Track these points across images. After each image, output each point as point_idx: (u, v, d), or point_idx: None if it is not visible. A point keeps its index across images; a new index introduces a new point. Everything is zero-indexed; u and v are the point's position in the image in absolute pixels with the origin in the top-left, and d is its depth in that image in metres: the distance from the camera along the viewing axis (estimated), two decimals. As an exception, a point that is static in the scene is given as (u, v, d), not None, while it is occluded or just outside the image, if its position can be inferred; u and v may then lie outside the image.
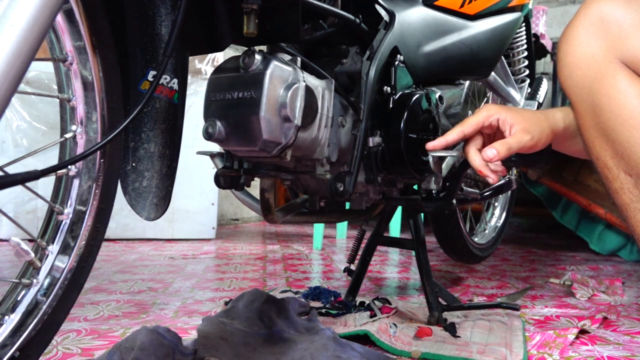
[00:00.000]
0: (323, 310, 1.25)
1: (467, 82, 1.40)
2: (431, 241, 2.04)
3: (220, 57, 2.72)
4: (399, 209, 2.29)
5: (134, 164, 0.77)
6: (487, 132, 0.90)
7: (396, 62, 0.99)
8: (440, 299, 1.23)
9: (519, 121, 0.86)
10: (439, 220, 1.57)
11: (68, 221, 0.74)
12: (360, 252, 1.36)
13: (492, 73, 1.40)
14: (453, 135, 0.89)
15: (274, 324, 1.04)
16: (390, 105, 0.98)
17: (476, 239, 1.76)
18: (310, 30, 0.89)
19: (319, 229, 2.53)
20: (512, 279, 1.84)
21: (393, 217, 2.23)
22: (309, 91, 0.81)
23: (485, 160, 0.84)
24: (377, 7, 0.99)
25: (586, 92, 0.77)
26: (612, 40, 0.74)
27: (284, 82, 0.79)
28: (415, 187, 1.19)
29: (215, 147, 0.94)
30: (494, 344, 1.04)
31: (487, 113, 0.88)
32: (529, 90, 1.64)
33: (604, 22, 0.74)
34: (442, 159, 1.01)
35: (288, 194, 1.17)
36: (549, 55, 3.33)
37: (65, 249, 0.74)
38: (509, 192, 1.86)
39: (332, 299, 1.35)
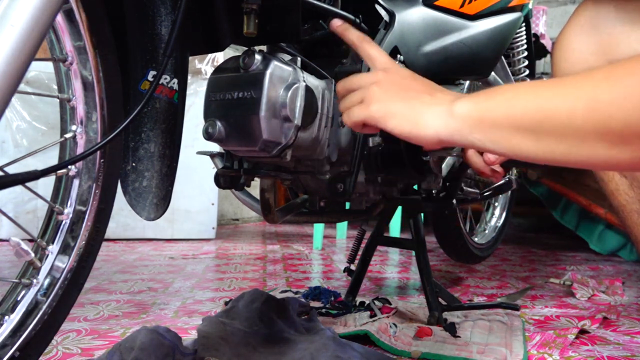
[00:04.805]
0: (323, 310, 1.25)
1: (467, 82, 1.40)
2: (431, 241, 2.04)
3: (220, 57, 2.72)
4: (399, 209, 2.29)
5: (134, 164, 0.77)
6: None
7: (396, 62, 0.99)
8: (440, 299, 1.23)
9: None
10: (439, 220, 1.57)
11: (68, 221, 0.74)
12: (360, 252, 1.36)
13: (492, 73, 1.40)
14: (453, 135, 0.89)
15: (274, 324, 1.04)
16: (390, 105, 0.98)
17: (476, 239, 1.76)
18: (310, 30, 0.89)
19: (319, 229, 2.53)
20: (512, 279, 1.84)
21: (393, 217, 2.23)
22: (309, 91, 0.81)
23: (488, 164, 0.84)
24: (377, 7, 0.99)
25: None
26: (604, 47, 0.74)
27: (284, 82, 0.79)
28: (415, 187, 1.19)
29: (215, 147, 0.94)
30: (494, 344, 1.04)
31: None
32: (529, 90, 1.64)
33: (595, 28, 0.74)
34: (442, 159, 1.01)
35: (288, 194, 1.17)
36: (549, 55, 3.33)
37: (65, 249, 0.74)
38: (509, 192, 1.85)
39: (332, 299, 1.35)
